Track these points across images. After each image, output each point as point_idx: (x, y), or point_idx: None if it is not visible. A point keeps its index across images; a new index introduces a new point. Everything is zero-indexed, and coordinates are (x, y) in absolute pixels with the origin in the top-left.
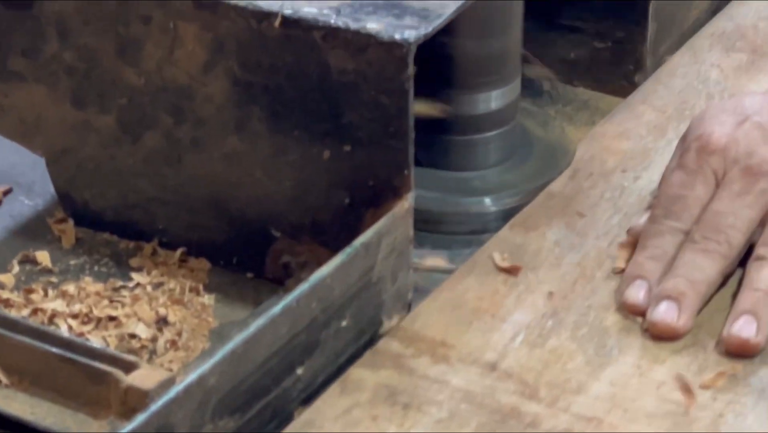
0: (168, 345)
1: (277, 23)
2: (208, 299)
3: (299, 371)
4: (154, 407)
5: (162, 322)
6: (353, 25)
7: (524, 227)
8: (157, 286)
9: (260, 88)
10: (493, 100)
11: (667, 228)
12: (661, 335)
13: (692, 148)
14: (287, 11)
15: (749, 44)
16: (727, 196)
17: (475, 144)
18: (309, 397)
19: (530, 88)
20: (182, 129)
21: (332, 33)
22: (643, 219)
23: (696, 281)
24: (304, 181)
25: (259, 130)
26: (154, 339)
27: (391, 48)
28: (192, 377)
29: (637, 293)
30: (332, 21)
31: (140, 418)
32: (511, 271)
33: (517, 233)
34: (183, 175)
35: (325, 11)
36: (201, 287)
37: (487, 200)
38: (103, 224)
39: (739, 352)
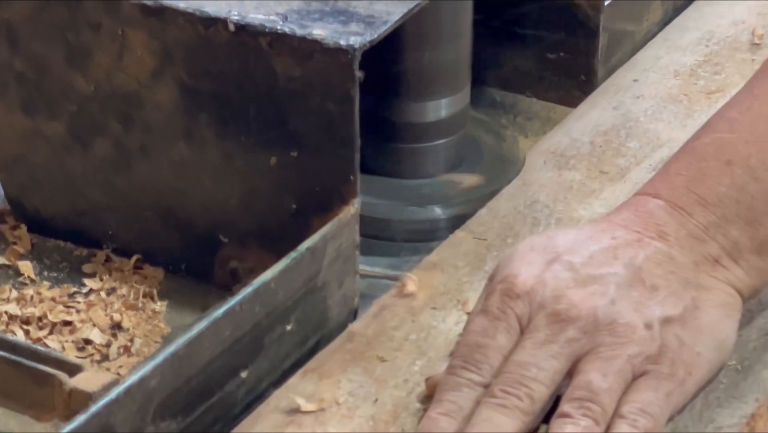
0: (121, 351)
1: (230, 28)
2: (159, 305)
3: (243, 374)
4: (95, 407)
5: (116, 327)
6: (299, 32)
7: (318, 373)
8: (111, 291)
9: (208, 95)
10: (443, 108)
11: (464, 381)
12: None
13: (497, 291)
14: (234, 17)
15: (584, 163)
16: (530, 346)
17: (425, 152)
18: (253, 401)
19: (482, 98)
20: (131, 136)
21: (279, 39)
22: (443, 367)
23: None
24: (252, 187)
25: (207, 137)
26: (108, 345)
27: (337, 54)
28: (133, 378)
29: None
30: (279, 27)
31: (80, 418)
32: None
33: (310, 381)
34: (132, 183)
35: (272, 17)
36: (155, 292)
37: (437, 208)
38: (55, 231)
39: None
